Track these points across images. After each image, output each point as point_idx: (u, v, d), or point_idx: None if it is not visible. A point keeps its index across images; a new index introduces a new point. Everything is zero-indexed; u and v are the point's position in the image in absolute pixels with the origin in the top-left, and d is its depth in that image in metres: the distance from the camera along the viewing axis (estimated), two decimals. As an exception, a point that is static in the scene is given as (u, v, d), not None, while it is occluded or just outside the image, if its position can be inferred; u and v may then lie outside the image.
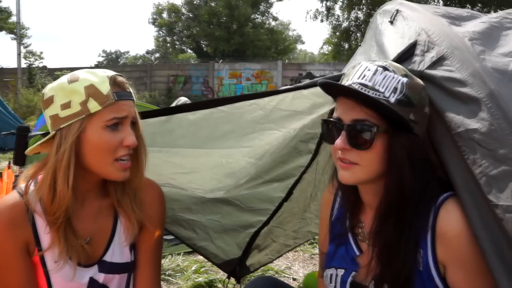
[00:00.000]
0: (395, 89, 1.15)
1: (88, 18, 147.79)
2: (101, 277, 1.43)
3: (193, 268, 3.29)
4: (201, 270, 3.28)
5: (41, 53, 21.67)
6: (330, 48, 22.18)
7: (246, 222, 2.44)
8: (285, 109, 1.76)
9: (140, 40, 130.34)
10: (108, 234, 1.46)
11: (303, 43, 43.79)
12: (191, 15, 30.66)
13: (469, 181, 1.10)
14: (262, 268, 3.21)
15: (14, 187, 1.82)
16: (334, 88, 1.24)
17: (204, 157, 1.93)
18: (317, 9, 20.78)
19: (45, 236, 1.35)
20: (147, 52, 44.64)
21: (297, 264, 3.53)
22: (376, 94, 1.14)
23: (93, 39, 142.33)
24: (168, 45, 34.11)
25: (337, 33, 21.01)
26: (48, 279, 1.36)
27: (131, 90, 1.38)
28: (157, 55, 39.14)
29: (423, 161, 1.18)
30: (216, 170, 2.06)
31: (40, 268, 1.36)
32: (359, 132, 1.17)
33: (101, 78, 1.31)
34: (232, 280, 2.68)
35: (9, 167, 1.99)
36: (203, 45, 30.70)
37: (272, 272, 3.27)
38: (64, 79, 1.32)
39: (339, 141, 1.20)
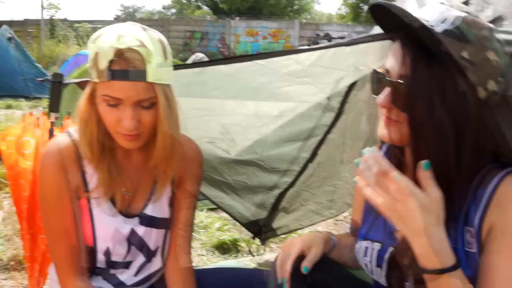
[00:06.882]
0: (444, 19, 0.97)
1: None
2: (141, 230, 1.43)
3: (216, 226, 3.30)
4: (224, 228, 3.29)
5: (58, 3, 21.75)
6: (348, 10, 21.54)
7: (271, 182, 2.40)
8: (325, 66, 1.67)
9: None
10: (149, 188, 1.44)
11: (318, 3, 42.89)
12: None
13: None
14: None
15: (50, 133, 1.80)
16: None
17: (240, 108, 1.89)
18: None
19: (92, 179, 1.35)
20: (163, 8, 44.24)
21: (320, 228, 3.50)
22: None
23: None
24: (184, 1, 33.63)
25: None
26: (92, 224, 1.37)
27: (145, 69, 1.17)
28: (173, 10, 38.65)
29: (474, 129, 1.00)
30: (251, 131, 2.00)
31: (86, 212, 1.36)
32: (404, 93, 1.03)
33: (108, 49, 1.15)
34: (256, 241, 2.66)
35: (43, 114, 1.96)
36: (219, 2, 30.15)
37: (295, 235, 3.24)
38: (94, 34, 1.23)
39: (381, 98, 1.07)
